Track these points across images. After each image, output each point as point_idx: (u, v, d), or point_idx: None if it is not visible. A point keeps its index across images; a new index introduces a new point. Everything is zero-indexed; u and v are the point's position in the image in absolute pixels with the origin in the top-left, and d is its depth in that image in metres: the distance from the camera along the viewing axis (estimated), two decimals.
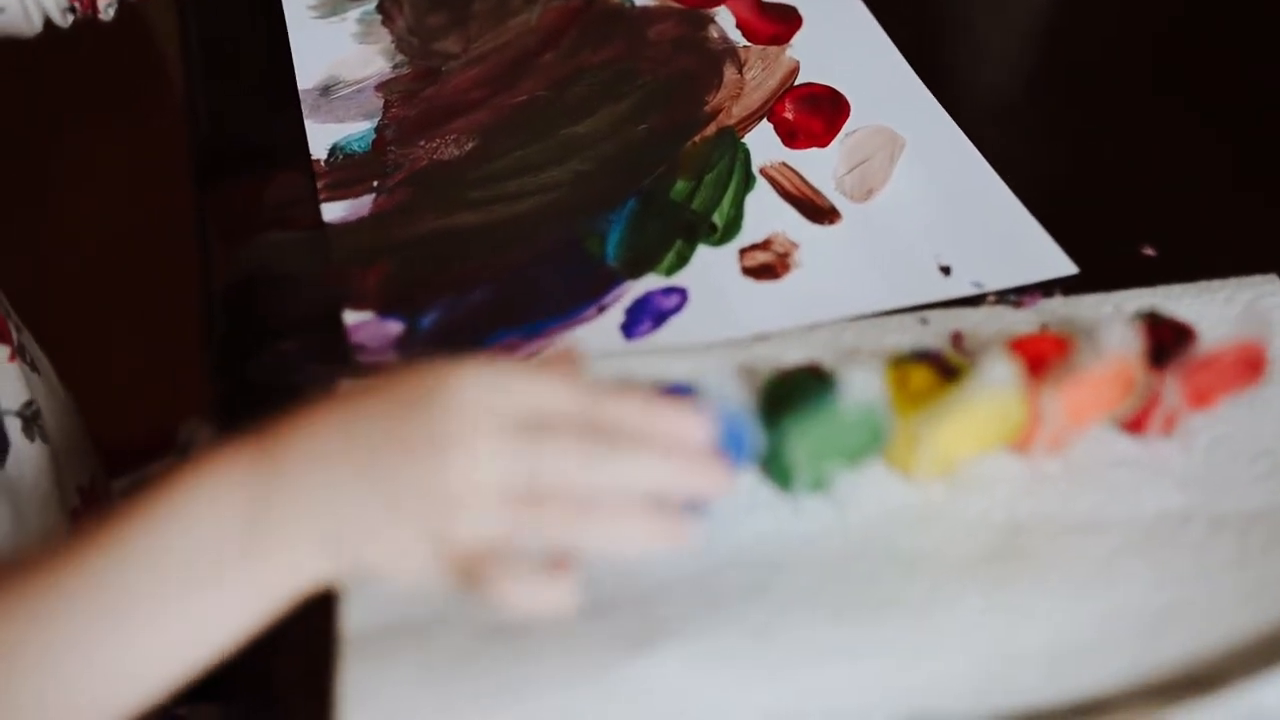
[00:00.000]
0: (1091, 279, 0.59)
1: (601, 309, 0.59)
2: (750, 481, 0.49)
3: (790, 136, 0.67)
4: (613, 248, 0.62)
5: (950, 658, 0.45)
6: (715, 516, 0.47)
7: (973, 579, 0.48)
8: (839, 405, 0.47)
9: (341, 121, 0.70)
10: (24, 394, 0.64)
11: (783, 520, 0.49)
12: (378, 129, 0.69)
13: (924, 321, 0.57)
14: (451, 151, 0.68)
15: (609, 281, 0.60)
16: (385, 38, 0.75)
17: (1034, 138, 0.70)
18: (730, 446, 0.45)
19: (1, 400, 0.62)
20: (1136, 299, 0.57)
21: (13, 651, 0.41)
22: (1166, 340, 0.51)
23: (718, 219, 0.63)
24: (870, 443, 0.48)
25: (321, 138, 0.68)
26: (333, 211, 0.64)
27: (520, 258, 0.62)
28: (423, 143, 0.68)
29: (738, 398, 0.46)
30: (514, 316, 0.59)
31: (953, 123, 0.68)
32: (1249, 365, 0.52)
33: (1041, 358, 0.50)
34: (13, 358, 0.64)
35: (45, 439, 0.64)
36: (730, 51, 0.73)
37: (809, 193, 0.64)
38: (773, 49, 0.73)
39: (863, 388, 0.47)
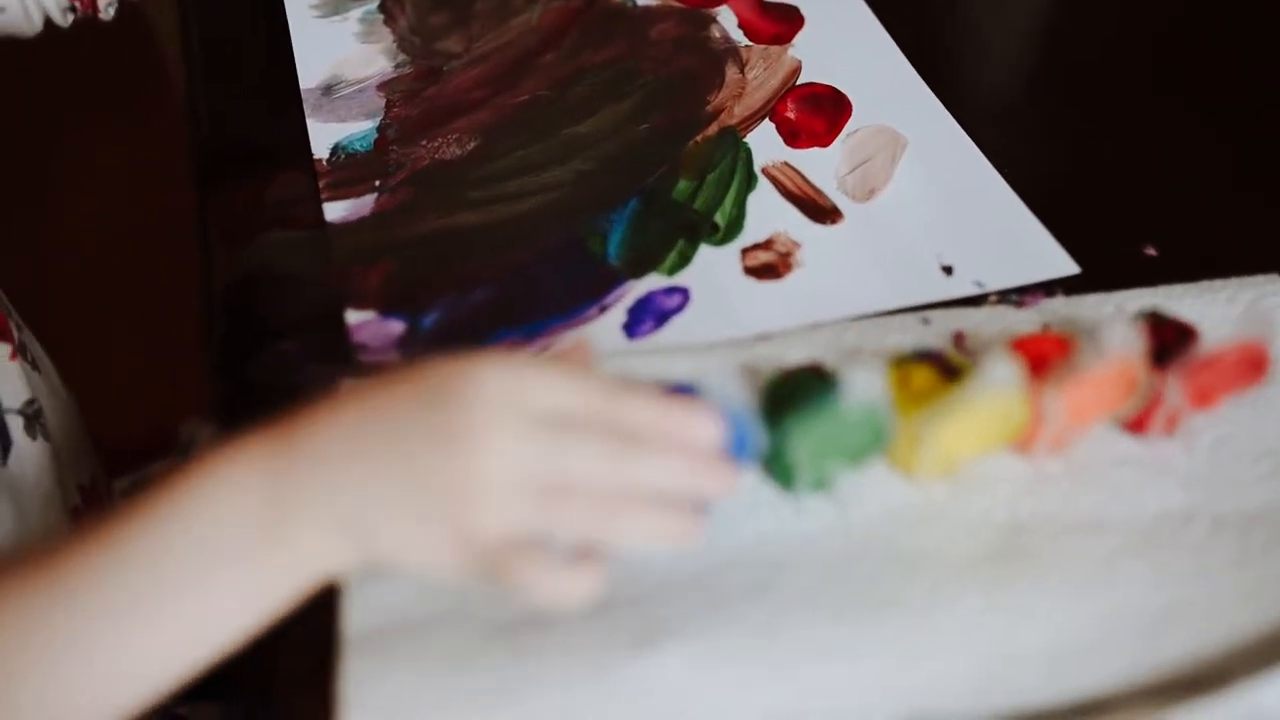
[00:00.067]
0: (1093, 279, 0.59)
1: (603, 309, 0.59)
2: (752, 481, 0.49)
3: (792, 136, 0.67)
4: (615, 247, 0.62)
5: (951, 657, 0.45)
6: (717, 516, 0.47)
7: (974, 579, 0.48)
8: (841, 405, 0.47)
9: (343, 121, 0.70)
10: (25, 392, 0.64)
11: (784, 520, 0.49)
12: (379, 128, 0.69)
13: (926, 321, 0.57)
14: (453, 151, 0.68)
15: (611, 281, 0.60)
16: (387, 37, 0.75)
17: (1035, 137, 0.70)
18: (733, 446, 0.45)
19: (3, 398, 0.62)
20: (1138, 299, 0.57)
21: (25, 645, 0.40)
22: (1168, 340, 0.51)
23: (720, 219, 0.63)
24: (872, 442, 0.48)
25: (323, 137, 0.68)
26: (334, 211, 0.64)
27: (522, 257, 0.62)
28: (424, 142, 0.68)
29: (740, 397, 0.46)
30: (516, 316, 0.59)
31: (954, 123, 0.68)
32: (1251, 365, 0.52)
33: (1043, 357, 0.50)
34: (14, 356, 0.64)
35: (47, 437, 0.64)
36: (732, 51, 0.73)
37: (811, 192, 0.64)
38: (775, 48, 0.73)
39: (865, 387, 0.47)
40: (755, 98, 0.70)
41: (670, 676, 0.44)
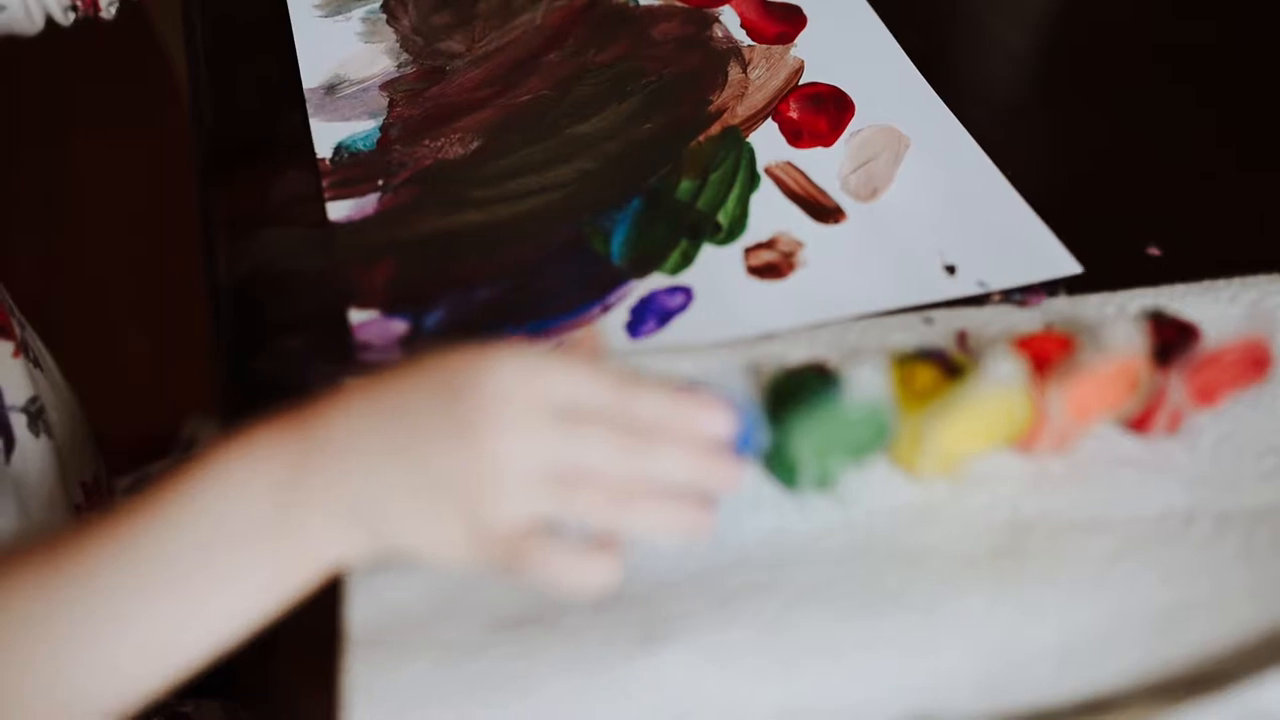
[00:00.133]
0: (1096, 278, 0.59)
1: (606, 308, 0.59)
2: (755, 479, 0.49)
3: (795, 136, 0.67)
4: (618, 247, 0.62)
5: (955, 655, 0.45)
6: (721, 514, 0.47)
7: (976, 577, 0.48)
8: (844, 403, 0.47)
9: (346, 120, 0.70)
10: (29, 390, 0.64)
11: (788, 518, 0.49)
12: (383, 128, 0.69)
13: (929, 320, 0.57)
14: (456, 150, 0.68)
15: (614, 280, 0.60)
16: (390, 37, 0.75)
17: (1039, 137, 0.70)
18: (737, 442, 0.45)
19: (6, 396, 0.62)
20: (1141, 298, 0.57)
21: (33, 633, 0.40)
22: (1171, 339, 0.51)
23: (723, 218, 0.63)
24: (875, 440, 0.49)
25: (326, 136, 0.68)
26: (338, 210, 0.65)
27: (525, 257, 0.62)
28: (427, 141, 0.68)
29: (743, 395, 0.47)
30: (519, 315, 0.59)
31: (957, 122, 0.68)
32: (1254, 363, 0.52)
33: (1046, 356, 0.50)
34: (17, 353, 0.64)
35: (50, 435, 0.65)
36: (735, 51, 0.73)
37: (814, 192, 0.64)
38: (777, 48, 0.73)
39: (867, 386, 0.47)
40: (758, 97, 0.70)
41: (676, 673, 0.45)
